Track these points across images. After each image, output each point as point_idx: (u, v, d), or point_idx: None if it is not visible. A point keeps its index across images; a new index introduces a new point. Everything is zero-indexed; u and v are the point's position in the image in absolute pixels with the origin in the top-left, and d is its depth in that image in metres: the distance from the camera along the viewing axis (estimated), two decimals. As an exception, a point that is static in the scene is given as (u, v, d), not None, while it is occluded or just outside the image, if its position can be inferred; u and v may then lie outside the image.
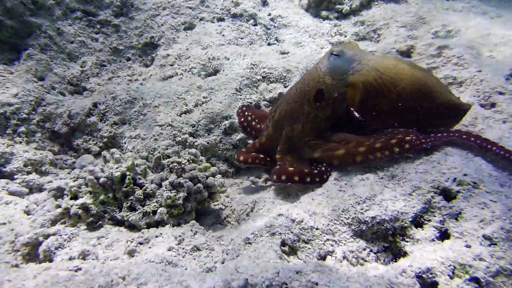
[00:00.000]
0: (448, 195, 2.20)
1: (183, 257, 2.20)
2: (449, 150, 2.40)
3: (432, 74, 2.69)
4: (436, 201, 2.16)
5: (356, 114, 2.73)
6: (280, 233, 2.22)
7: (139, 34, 4.50)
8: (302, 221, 2.25)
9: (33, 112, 3.53)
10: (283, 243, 2.19)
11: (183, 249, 2.24)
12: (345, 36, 5.00)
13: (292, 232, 2.22)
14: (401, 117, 2.45)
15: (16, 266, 1.97)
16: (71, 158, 3.60)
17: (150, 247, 2.25)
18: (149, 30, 4.56)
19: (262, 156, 2.86)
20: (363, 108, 2.52)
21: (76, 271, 1.87)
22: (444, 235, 2.08)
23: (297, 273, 1.70)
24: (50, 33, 3.94)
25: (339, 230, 2.19)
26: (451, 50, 3.92)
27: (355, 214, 2.18)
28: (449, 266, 1.89)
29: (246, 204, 2.76)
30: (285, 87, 3.92)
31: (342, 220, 2.21)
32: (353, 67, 2.52)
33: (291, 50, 4.49)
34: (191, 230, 2.42)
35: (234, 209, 2.80)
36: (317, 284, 1.64)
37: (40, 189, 3.06)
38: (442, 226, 2.09)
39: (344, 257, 2.08)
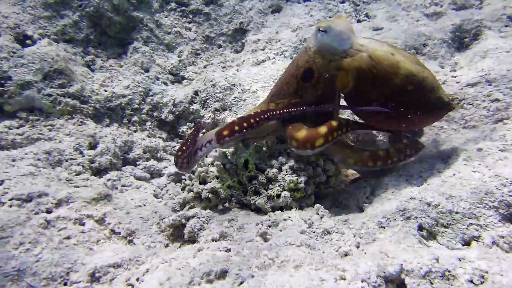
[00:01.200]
0: None
1: (316, 240, 2.22)
2: None
3: (426, 67, 2.45)
4: None
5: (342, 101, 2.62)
6: (416, 217, 2.15)
7: (228, 21, 4.55)
8: (439, 205, 2.16)
9: (143, 102, 3.73)
10: (420, 228, 2.13)
11: (314, 232, 2.26)
12: (441, 6, 4.66)
13: (429, 216, 2.14)
14: (393, 110, 2.32)
15: (167, 246, 2.11)
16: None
17: (281, 230, 2.30)
18: (237, 16, 4.59)
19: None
20: (352, 95, 2.40)
21: (226, 251, 1.96)
22: None
23: (460, 260, 1.63)
24: (151, 26, 4.11)
25: (484, 214, 2.06)
26: None
27: (502, 196, 2.04)
28: None
29: (364, 187, 2.72)
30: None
31: (486, 204, 2.08)
32: (345, 50, 2.33)
33: (385, 26, 4.28)
34: (317, 214, 2.43)
35: (352, 192, 2.76)
36: (486, 272, 1.56)
37: (159, 174, 3.25)
38: None
39: (493, 243, 1.96)
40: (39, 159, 2.53)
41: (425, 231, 2.12)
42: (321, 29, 2.33)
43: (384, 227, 2.19)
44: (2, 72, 2.87)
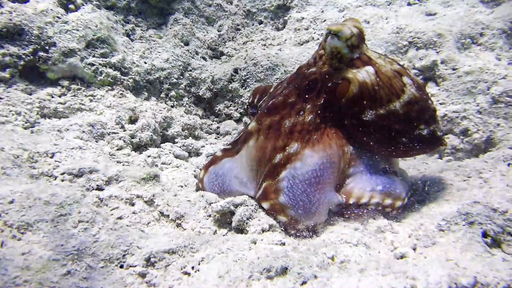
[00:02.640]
0: None
1: (370, 238, 2.12)
2: None
3: (428, 95, 2.24)
4: None
5: None
6: (481, 223, 2.02)
7: (272, -4, 4.34)
8: (506, 212, 2.02)
9: (181, 77, 3.61)
10: (484, 234, 2.00)
11: (367, 230, 2.16)
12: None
13: (494, 223, 2.00)
14: (383, 134, 2.14)
15: (215, 232, 2.03)
16: (214, 123, 3.68)
17: (331, 224, 2.20)
18: (282, -9, 4.37)
19: None
20: (348, 109, 2.17)
21: (281, 245, 1.87)
22: None
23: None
24: (192, -4, 3.94)
25: (558, 225, 1.93)
26: None
27: None
28: None
29: (415, 183, 2.59)
30: (437, 53, 3.55)
31: (560, 214, 1.94)
32: (352, 59, 2.13)
33: (439, 11, 4.03)
34: (368, 210, 2.31)
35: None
36: None
37: (197, 153, 3.16)
38: None
39: None
40: (83, 132, 2.45)
41: (489, 238, 1.99)
42: (331, 31, 2.13)
43: (444, 231, 2.07)
44: (47, 38, 2.77)
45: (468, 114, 3.13)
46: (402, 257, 2.00)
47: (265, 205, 2.12)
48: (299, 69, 2.35)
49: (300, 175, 2.08)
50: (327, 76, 2.20)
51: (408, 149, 2.21)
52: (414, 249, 2.04)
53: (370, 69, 2.13)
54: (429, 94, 2.26)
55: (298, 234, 2.10)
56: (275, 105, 2.30)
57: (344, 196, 2.16)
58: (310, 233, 2.11)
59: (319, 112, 2.22)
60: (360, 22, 2.27)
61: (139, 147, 2.82)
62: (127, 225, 1.75)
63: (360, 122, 2.15)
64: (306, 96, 2.24)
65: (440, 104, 3.27)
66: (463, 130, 3.10)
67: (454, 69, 3.38)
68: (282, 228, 2.10)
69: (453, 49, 3.52)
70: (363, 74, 2.12)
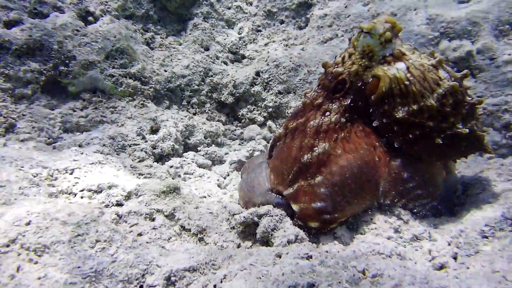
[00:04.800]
0: None
1: (405, 247, 1.97)
2: None
3: (466, 89, 2.06)
4: None
5: None
6: (529, 229, 1.83)
7: (292, -6, 4.22)
8: (558, 216, 1.82)
9: (202, 83, 3.56)
10: (533, 241, 1.81)
11: (402, 238, 2.01)
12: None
13: (546, 229, 1.81)
14: (416, 133, 2.00)
15: (239, 246, 1.95)
16: (237, 128, 3.60)
17: (362, 233, 2.06)
18: (303, -12, 4.23)
19: None
20: (378, 107, 2.05)
21: (307, 259, 1.76)
22: None
23: None
24: (211, 0, 3.89)
25: None
26: None
27: None
28: None
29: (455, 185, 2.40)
30: (472, 43, 3.31)
31: None
32: (385, 55, 2.02)
33: (472, -2, 3.77)
34: (400, 218, 2.15)
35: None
36: None
37: (220, 161, 3.09)
38: None
39: None
40: (104, 145, 2.43)
41: (540, 246, 1.80)
42: (364, 30, 2.03)
43: (488, 238, 1.89)
44: (67, 51, 2.78)
45: (510, 106, 2.90)
46: (441, 267, 1.84)
47: (295, 207, 2.07)
48: (326, 68, 2.24)
49: (339, 181, 2.01)
50: (356, 76, 2.10)
51: (445, 150, 2.04)
52: (455, 258, 1.88)
53: (401, 65, 2.02)
54: (467, 89, 2.07)
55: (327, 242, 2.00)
56: (302, 108, 2.22)
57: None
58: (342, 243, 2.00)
59: (345, 112, 2.12)
60: (392, 16, 2.15)
61: (161, 158, 2.79)
62: (146, 242, 1.69)
63: (392, 120, 2.03)
64: (333, 96, 2.15)
65: (478, 97, 3.04)
66: (505, 124, 2.87)
67: (492, 59, 3.14)
68: (312, 235, 2.01)
69: (490, 38, 3.27)
70: (393, 71, 2.01)
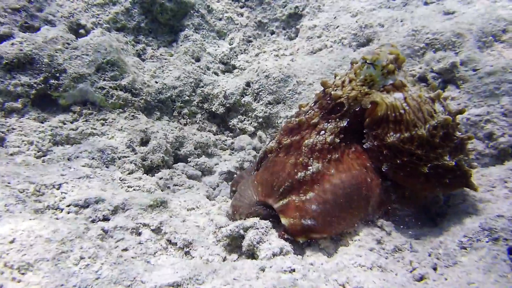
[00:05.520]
0: None
1: (386, 258, 2.01)
2: None
3: (457, 124, 2.18)
4: None
5: None
6: (506, 239, 1.88)
7: (282, 5, 4.28)
8: (534, 227, 1.87)
9: (193, 94, 3.61)
10: (510, 251, 1.86)
11: (384, 249, 2.05)
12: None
13: (522, 240, 1.86)
14: (404, 159, 2.06)
15: (225, 258, 1.98)
16: (228, 139, 3.64)
17: (346, 246, 2.10)
18: (293, 0, 4.30)
19: None
20: (371, 130, 2.12)
21: (290, 272, 1.80)
22: None
23: None
24: (202, 12, 3.94)
25: None
26: None
27: None
28: None
29: (437, 196, 2.45)
30: (456, 54, 3.38)
31: None
32: (385, 85, 2.13)
33: (457, 9, 3.84)
34: (383, 229, 2.20)
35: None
36: None
37: (210, 171, 3.13)
38: None
39: None
40: (93, 158, 2.47)
41: (516, 256, 1.85)
42: (368, 61, 2.13)
43: (466, 248, 1.94)
44: (57, 65, 2.82)
45: (492, 117, 2.95)
46: (421, 278, 1.89)
47: (285, 220, 2.09)
48: (325, 88, 2.30)
49: (331, 199, 2.06)
50: (354, 101, 2.18)
51: (429, 181, 2.10)
52: (435, 269, 1.93)
53: (399, 95, 2.11)
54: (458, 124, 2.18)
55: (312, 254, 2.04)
56: (297, 125, 2.26)
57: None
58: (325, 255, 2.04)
59: (340, 133, 2.20)
60: (396, 47, 2.26)
61: (151, 169, 2.82)
62: (132, 257, 1.72)
63: (383, 144, 2.10)
64: (330, 116, 2.23)
65: (462, 107, 3.10)
66: (488, 134, 2.92)
67: (475, 70, 3.21)
68: (295, 251, 2.04)
69: (473, 49, 3.34)
70: (391, 99, 2.10)
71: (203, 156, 3.23)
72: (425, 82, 3.35)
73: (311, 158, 2.16)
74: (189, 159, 3.15)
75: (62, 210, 1.89)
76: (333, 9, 4.15)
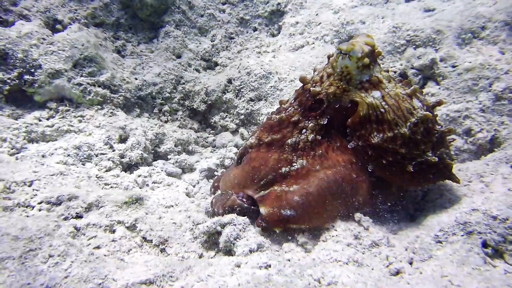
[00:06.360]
0: None
1: (363, 253, 2.01)
2: None
3: (436, 118, 2.19)
4: None
5: None
6: (480, 232, 1.90)
7: (265, 2, 4.27)
8: (507, 219, 1.89)
9: (174, 91, 3.57)
10: (484, 244, 1.88)
11: (361, 244, 2.05)
12: (501, -16, 4.17)
13: (495, 232, 1.88)
14: (389, 159, 2.07)
15: (201, 255, 1.96)
16: (210, 136, 3.62)
17: (324, 241, 2.10)
18: (275, -4, 4.29)
19: None
20: (354, 131, 2.13)
21: (266, 268, 1.79)
22: None
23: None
24: (183, 8, 3.90)
25: None
26: None
27: None
28: None
29: (415, 191, 2.47)
30: (436, 51, 3.41)
31: None
32: (362, 81, 2.10)
33: (437, 6, 3.88)
34: (360, 224, 2.20)
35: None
36: None
37: (191, 169, 3.10)
38: None
39: None
40: (69, 155, 2.42)
41: (490, 248, 1.87)
42: (342, 51, 2.09)
43: (441, 242, 1.96)
44: (32, 60, 2.76)
45: (470, 113, 2.99)
46: (397, 273, 1.89)
47: (264, 209, 2.08)
48: (304, 84, 2.27)
49: (315, 192, 2.05)
50: (333, 97, 2.16)
51: (414, 177, 2.12)
52: (411, 263, 1.94)
53: (377, 93, 2.10)
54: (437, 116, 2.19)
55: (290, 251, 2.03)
56: (278, 122, 2.24)
57: None
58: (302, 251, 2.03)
59: (321, 130, 2.19)
60: (373, 38, 2.23)
61: (129, 167, 2.78)
62: (104, 255, 1.69)
63: (368, 145, 2.10)
64: (310, 114, 2.20)
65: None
66: (466, 130, 2.96)
67: (454, 67, 3.24)
68: (272, 247, 2.03)
69: (452, 46, 3.38)
70: (370, 99, 2.09)
71: (184, 153, 3.20)
72: (406, 78, 3.37)
73: (295, 156, 2.16)
74: (169, 157, 3.11)
75: (33, 207, 1.84)
76: (315, 6, 4.16)
